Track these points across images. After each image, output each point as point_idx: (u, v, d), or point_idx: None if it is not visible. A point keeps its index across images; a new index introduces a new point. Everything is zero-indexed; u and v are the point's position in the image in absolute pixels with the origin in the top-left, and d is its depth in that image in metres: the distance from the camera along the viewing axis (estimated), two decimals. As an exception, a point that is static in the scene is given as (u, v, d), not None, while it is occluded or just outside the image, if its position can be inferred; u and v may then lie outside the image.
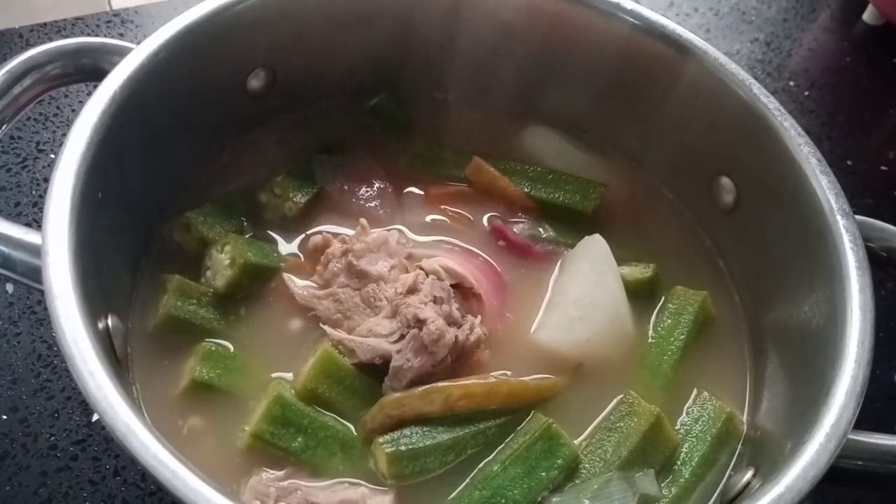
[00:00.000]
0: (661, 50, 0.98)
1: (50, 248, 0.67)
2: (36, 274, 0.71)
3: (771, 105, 0.90)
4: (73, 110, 1.31)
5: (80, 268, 0.68)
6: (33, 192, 1.22)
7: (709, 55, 0.94)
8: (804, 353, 0.81)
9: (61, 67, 0.87)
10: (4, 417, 0.99)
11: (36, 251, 0.74)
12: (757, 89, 0.91)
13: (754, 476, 0.75)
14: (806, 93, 1.62)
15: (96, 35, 1.42)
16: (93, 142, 0.75)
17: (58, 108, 1.34)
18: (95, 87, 0.82)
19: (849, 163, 1.51)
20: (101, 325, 0.75)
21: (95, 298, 0.72)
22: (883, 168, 1.52)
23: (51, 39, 1.22)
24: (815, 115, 1.59)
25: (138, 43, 0.86)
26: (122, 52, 0.89)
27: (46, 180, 1.22)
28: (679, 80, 0.98)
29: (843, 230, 0.80)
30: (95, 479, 0.95)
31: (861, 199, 1.46)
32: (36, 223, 1.19)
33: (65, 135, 1.25)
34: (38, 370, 1.04)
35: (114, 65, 0.88)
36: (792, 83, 1.64)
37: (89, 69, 0.89)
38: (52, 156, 1.26)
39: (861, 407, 0.70)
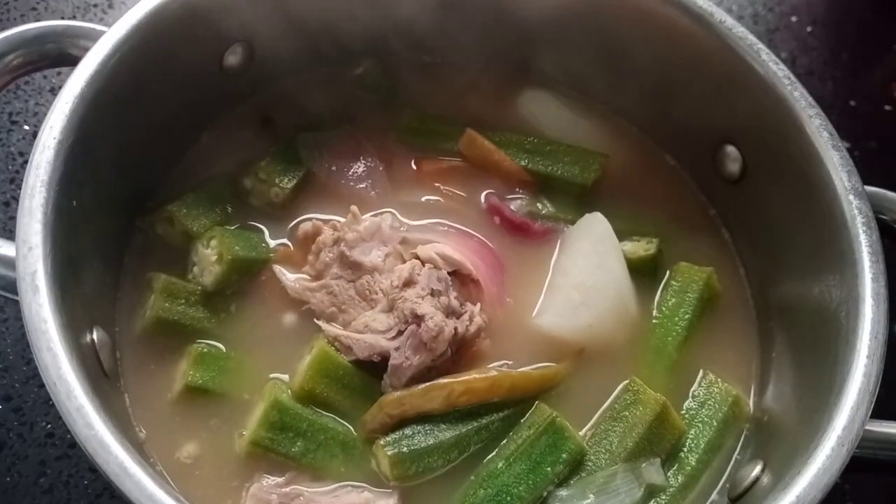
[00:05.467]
0: (662, 10, 0.92)
1: (23, 273, 0.63)
2: (12, 286, 0.68)
3: (780, 73, 0.85)
4: (45, 76, 1.24)
5: (57, 289, 0.65)
6: (9, 167, 1.17)
7: (714, 17, 0.89)
8: (813, 336, 0.79)
9: (24, 56, 0.82)
10: (-1, 407, 0.97)
11: (10, 264, 0.70)
12: (766, 55, 0.86)
13: (763, 470, 0.74)
14: (808, 29, 1.55)
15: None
16: (62, 147, 0.70)
17: (29, 75, 1.27)
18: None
19: (852, 103, 1.46)
20: (87, 339, 0.72)
21: (77, 314, 0.70)
22: (887, 108, 1.47)
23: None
24: (818, 52, 1.52)
25: (106, 23, 0.81)
26: (88, 35, 0.84)
27: (22, 154, 1.17)
28: (682, 42, 0.92)
29: (856, 211, 0.77)
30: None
31: (865, 142, 1.42)
32: (15, 200, 1.14)
33: (38, 104, 1.22)
34: (29, 357, 1.01)
35: (81, 48, 0.83)
36: (794, 18, 1.57)
37: (54, 55, 0.84)
38: (27, 127, 1.20)
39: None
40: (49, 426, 0.97)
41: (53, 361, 0.60)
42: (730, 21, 0.88)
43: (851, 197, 0.78)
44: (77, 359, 0.63)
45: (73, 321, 0.67)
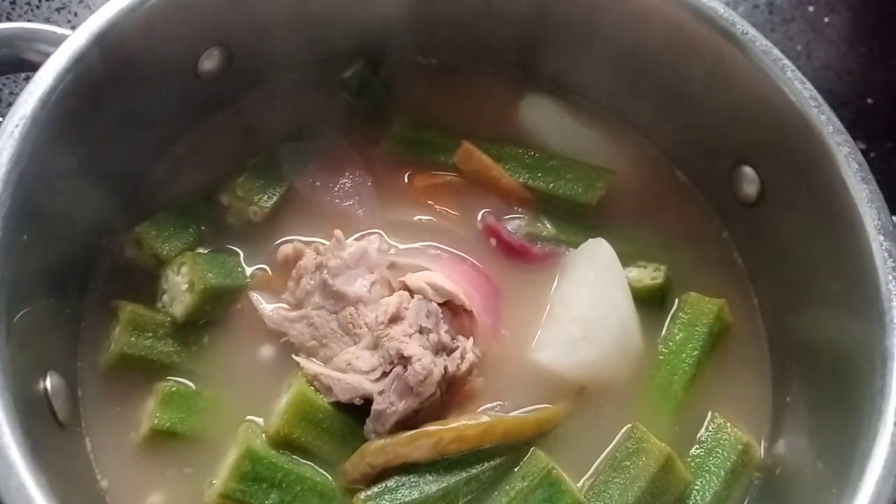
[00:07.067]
0: (678, 15, 0.84)
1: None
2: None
3: (806, 93, 0.78)
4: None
5: (3, 340, 0.59)
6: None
7: (737, 28, 0.81)
8: (834, 386, 0.73)
9: (-29, 63, 0.74)
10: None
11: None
12: (791, 73, 0.79)
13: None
14: (826, 19, 1.47)
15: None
16: (10, 178, 0.63)
17: None
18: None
19: (869, 101, 1.38)
20: (39, 388, 0.66)
21: (29, 362, 0.64)
22: (905, 106, 1.40)
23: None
24: (836, 45, 1.44)
25: (69, 26, 0.73)
26: (47, 39, 0.76)
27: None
28: (700, 51, 0.84)
29: (885, 254, 0.70)
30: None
31: (881, 143, 1.34)
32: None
33: (13, 93, 1.13)
34: None
35: (40, 53, 0.75)
36: (811, 8, 1.48)
37: (10, 60, 0.76)
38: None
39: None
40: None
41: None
42: (753, 33, 0.80)
43: (882, 238, 0.71)
44: (23, 421, 0.57)
45: (23, 373, 0.61)
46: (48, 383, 0.67)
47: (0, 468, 0.53)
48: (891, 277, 0.69)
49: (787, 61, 0.80)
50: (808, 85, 0.78)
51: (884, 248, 0.70)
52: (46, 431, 0.63)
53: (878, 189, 0.74)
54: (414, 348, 0.74)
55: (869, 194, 0.73)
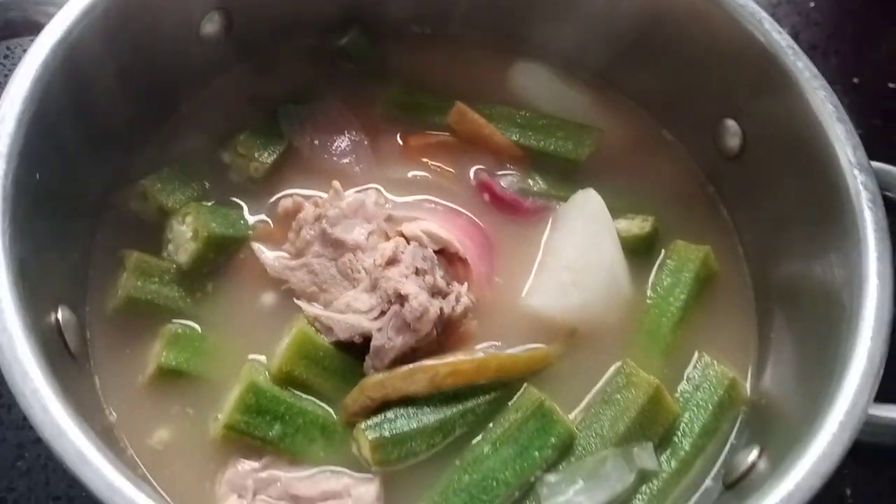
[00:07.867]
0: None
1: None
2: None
3: (783, 42, 0.81)
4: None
5: (16, 266, 0.62)
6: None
7: (714, -16, 0.84)
8: (815, 317, 0.76)
9: (-18, 25, 0.78)
10: (-28, 389, 0.94)
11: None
12: (768, 24, 0.82)
13: (760, 456, 0.71)
14: (811, 3, 1.51)
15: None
16: (24, 118, 0.66)
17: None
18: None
19: (855, 80, 1.42)
20: (51, 319, 0.69)
21: (40, 293, 0.67)
22: (891, 85, 1.43)
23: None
24: (822, 27, 1.48)
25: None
26: (55, 1, 0.79)
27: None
28: (679, 11, 0.88)
29: (861, 187, 0.73)
30: (73, 452, 0.91)
31: (868, 118, 1.37)
32: None
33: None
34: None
35: (48, 16, 0.78)
36: (797, -8, 1.53)
37: (19, 23, 0.79)
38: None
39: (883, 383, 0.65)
40: (27, 408, 0.93)
41: (9, 342, 0.57)
42: (730, -13, 0.84)
43: (856, 172, 0.74)
44: (37, 339, 0.60)
45: (35, 300, 0.64)
46: (60, 315, 0.70)
47: (16, 374, 0.56)
48: (866, 207, 0.72)
49: (764, 14, 0.83)
50: (785, 34, 0.82)
51: (859, 181, 0.73)
52: (60, 360, 0.66)
53: (852, 128, 0.77)
54: (410, 287, 0.76)
55: (844, 133, 0.76)
